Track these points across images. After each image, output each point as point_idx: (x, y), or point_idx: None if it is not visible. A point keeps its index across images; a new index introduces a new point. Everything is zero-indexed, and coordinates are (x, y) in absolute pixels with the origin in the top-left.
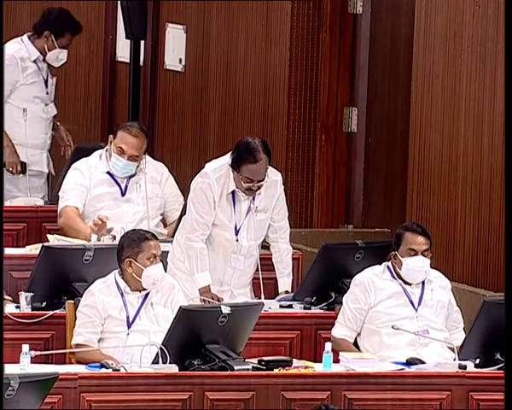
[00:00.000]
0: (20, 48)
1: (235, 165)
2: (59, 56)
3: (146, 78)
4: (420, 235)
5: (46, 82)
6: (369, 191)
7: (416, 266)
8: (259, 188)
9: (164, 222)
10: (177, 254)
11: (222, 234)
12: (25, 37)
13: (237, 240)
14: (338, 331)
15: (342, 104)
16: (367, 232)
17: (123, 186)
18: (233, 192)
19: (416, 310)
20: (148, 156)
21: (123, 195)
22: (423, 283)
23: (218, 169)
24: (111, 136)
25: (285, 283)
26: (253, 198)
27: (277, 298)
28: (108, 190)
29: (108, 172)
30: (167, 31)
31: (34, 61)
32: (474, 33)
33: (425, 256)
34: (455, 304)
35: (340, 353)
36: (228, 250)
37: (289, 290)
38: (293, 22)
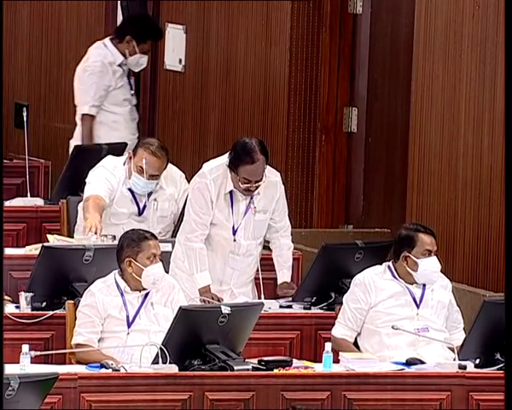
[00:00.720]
0: (106, 53)
1: (233, 166)
2: (139, 61)
3: (146, 78)
4: (431, 235)
5: (130, 84)
6: (369, 191)
7: (434, 266)
8: (257, 188)
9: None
10: (178, 254)
11: (220, 233)
12: (107, 41)
13: (235, 240)
14: (338, 331)
15: (342, 104)
16: (367, 232)
17: (141, 205)
18: (231, 192)
19: (418, 307)
20: (170, 166)
21: (139, 214)
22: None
23: (215, 169)
24: (130, 151)
25: (284, 274)
26: (251, 198)
27: (277, 290)
28: (127, 210)
29: (130, 189)
30: (167, 31)
31: (119, 65)
32: (474, 33)
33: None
34: (455, 304)
35: (340, 353)
36: (226, 250)
37: (289, 281)
38: (293, 22)
